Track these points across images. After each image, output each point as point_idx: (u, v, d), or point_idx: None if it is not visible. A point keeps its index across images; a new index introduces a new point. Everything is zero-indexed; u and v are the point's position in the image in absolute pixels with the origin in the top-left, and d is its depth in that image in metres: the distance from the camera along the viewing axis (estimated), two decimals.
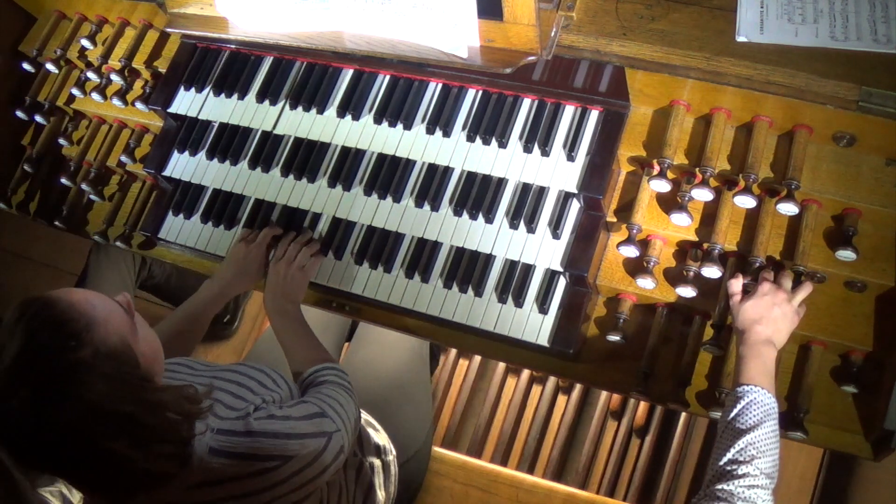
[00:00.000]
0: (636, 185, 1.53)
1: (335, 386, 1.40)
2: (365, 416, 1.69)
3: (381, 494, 1.59)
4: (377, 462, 1.62)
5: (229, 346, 2.67)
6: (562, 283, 1.53)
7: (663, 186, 1.48)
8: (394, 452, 1.69)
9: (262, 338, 2.00)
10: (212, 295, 1.66)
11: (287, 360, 1.56)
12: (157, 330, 1.60)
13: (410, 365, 1.87)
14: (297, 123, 1.76)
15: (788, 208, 1.41)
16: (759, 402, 1.20)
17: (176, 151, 1.84)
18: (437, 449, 1.95)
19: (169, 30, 1.80)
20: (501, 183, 1.60)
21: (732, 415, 1.20)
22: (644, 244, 1.51)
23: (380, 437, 1.66)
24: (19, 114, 2.08)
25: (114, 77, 1.95)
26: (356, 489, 1.51)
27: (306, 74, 1.79)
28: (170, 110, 1.85)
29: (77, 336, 0.99)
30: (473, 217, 1.59)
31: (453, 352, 2.53)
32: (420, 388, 1.88)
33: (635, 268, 1.51)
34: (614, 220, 1.54)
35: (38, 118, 2.06)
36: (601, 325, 1.55)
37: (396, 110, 1.68)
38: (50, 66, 2.06)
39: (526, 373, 2.51)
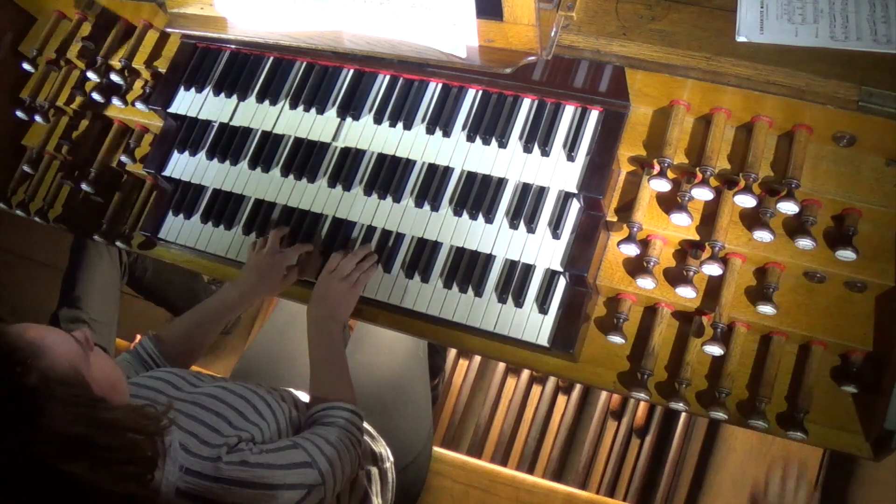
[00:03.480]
0: (636, 185, 1.53)
1: (341, 432, 1.36)
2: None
3: (377, 502, 1.57)
4: (374, 470, 1.59)
5: (229, 344, 2.67)
6: (562, 283, 1.53)
7: (663, 186, 1.48)
8: (391, 459, 1.67)
9: (261, 333, 1.99)
10: (231, 301, 1.62)
11: (309, 379, 1.52)
12: (168, 329, 1.60)
13: (408, 366, 1.85)
14: (297, 123, 1.76)
15: (789, 207, 1.41)
16: None
17: (176, 151, 1.84)
18: (437, 449, 1.95)
19: (169, 30, 1.80)
20: (501, 183, 1.60)
21: None
22: (644, 244, 1.51)
23: (377, 444, 1.64)
24: (19, 114, 2.08)
25: (114, 77, 1.95)
26: (350, 499, 1.49)
27: (306, 74, 1.79)
28: (170, 110, 1.85)
29: (23, 363, 1.00)
30: (473, 217, 1.59)
31: (453, 352, 2.53)
32: (418, 390, 1.86)
33: (635, 268, 1.51)
34: (614, 219, 1.54)
35: (38, 118, 2.06)
36: (601, 325, 1.55)
37: (396, 110, 1.68)
38: (50, 66, 2.05)
39: (526, 373, 2.51)
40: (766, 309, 1.40)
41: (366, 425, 1.67)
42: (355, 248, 1.65)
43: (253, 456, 1.20)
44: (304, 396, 1.61)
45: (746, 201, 1.43)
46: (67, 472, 0.98)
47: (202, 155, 1.82)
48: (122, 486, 1.02)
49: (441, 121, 1.64)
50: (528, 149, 1.58)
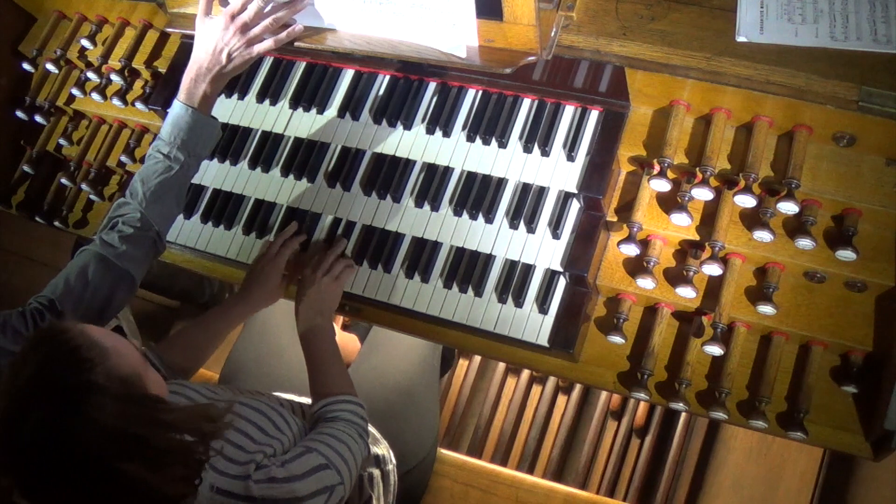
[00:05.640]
0: (636, 185, 1.53)
1: (346, 424, 1.37)
2: None
3: None
4: (376, 473, 1.59)
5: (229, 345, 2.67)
6: (562, 283, 1.53)
7: (663, 186, 1.48)
8: (394, 462, 1.67)
9: (241, 336, 1.97)
10: (234, 314, 1.62)
11: (308, 378, 1.52)
12: (171, 339, 1.59)
13: (420, 373, 1.85)
14: (297, 123, 1.76)
15: (789, 208, 1.41)
16: None
17: None
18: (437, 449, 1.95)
19: (169, 30, 1.80)
20: (501, 183, 1.60)
21: None
22: (644, 244, 1.51)
23: (380, 447, 1.64)
24: (19, 114, 2.08)
25: (114, 77, 1.95)
26: (352, 501, 1.49)
27: (306, 74, 1.79)
28: (169, 110, 1.84)
29: (90, 360, 1.02)
30: (473, 217, 1.59)
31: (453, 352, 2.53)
32: (428, 398, 1.85)
33: (635, 268, 1.51)
34: (614, 219, 1.54)
35: (38, 118, 2.06)
36: (601, 325, 1.55)
37: (396, 110, 1.68)
38: (50, 66, 2.05)
39: (526, 373, 2.51)
40: (766, 309, 1.40)
41: (370, 427, 1.67)
42: (336, 244, 1.65)
43: (278, 470, 1.22)
44: (304, 400, 1.61)
45: (746, 201, 1.43)
46: (121, 470, 0.99)
47: None
48: (170, 487, 1.03)
49: (441, 121, 1.64)
50: (528, 149, 1.58)
